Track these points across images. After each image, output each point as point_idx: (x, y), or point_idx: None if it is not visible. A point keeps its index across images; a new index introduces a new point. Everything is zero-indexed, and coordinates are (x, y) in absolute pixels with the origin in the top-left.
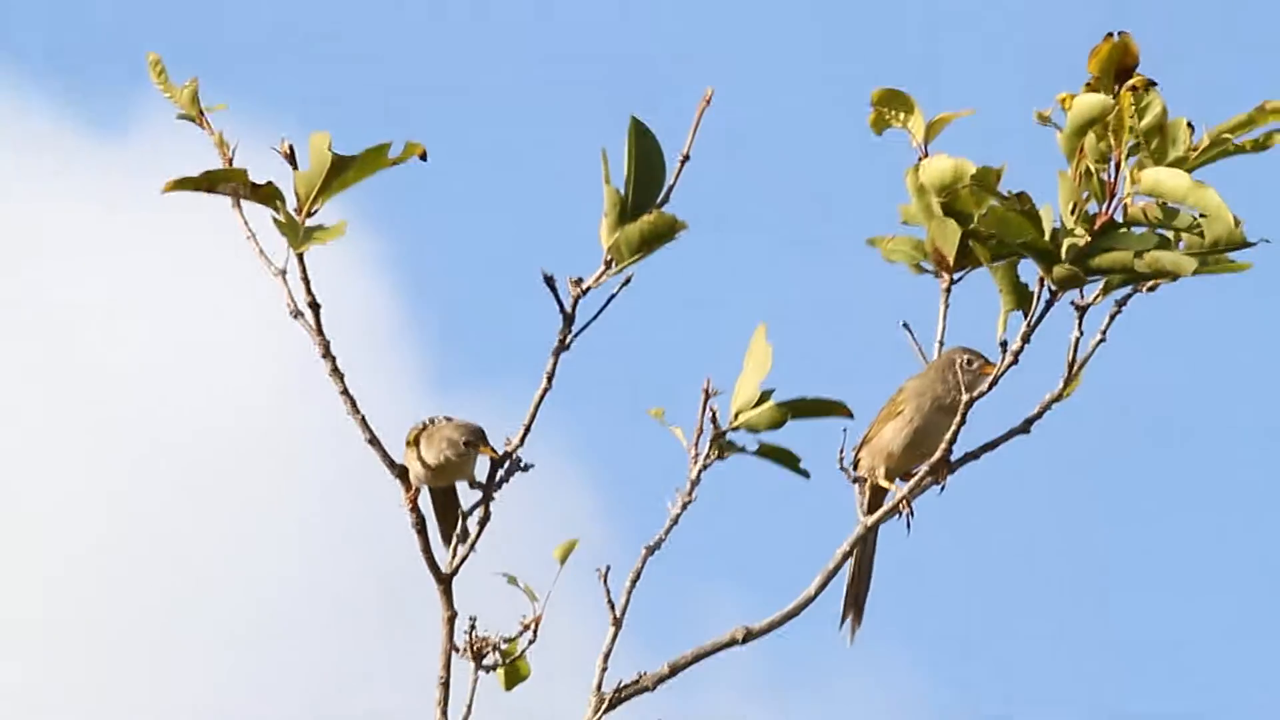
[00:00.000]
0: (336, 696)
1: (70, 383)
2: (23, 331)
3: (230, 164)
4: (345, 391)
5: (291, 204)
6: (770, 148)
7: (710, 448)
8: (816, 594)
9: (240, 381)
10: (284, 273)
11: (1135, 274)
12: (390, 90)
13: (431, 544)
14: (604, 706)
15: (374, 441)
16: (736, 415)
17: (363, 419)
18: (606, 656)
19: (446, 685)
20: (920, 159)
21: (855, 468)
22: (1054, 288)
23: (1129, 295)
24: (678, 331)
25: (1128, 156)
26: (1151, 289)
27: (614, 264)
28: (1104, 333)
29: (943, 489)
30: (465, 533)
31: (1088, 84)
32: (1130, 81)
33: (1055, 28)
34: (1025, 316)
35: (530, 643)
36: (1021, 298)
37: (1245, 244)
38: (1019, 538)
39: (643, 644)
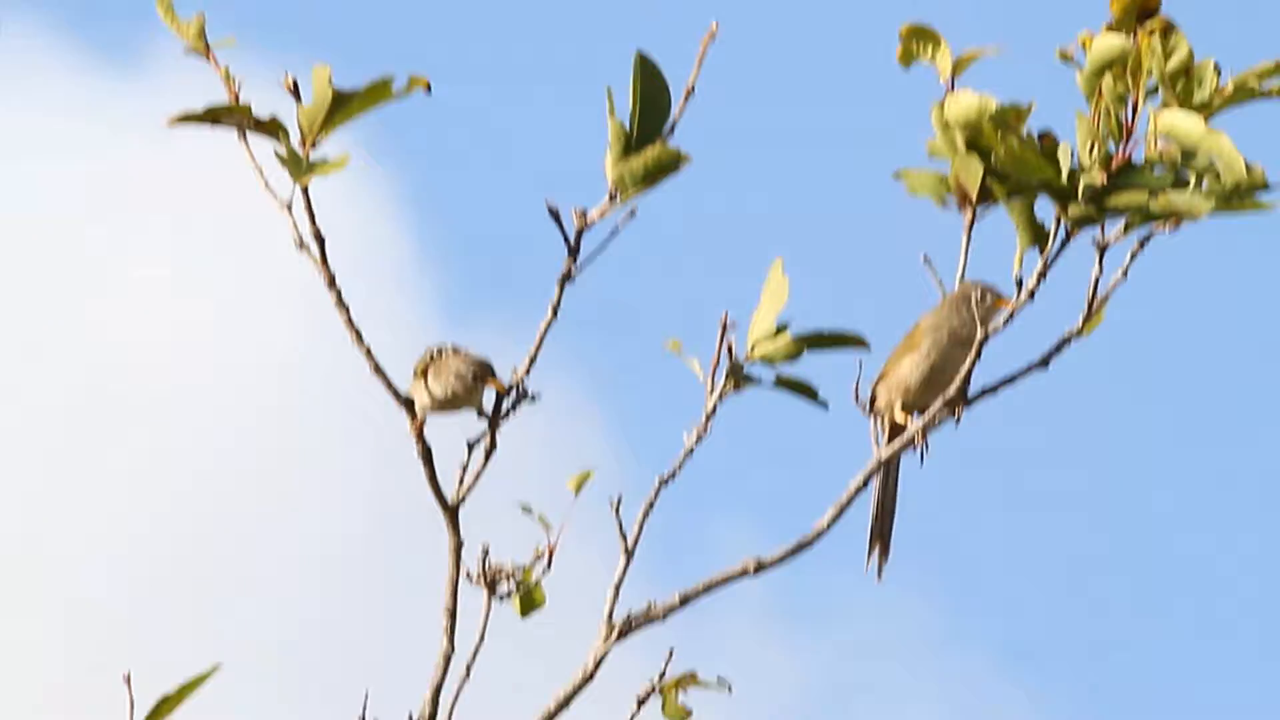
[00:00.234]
0: (344, 629)
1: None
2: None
3: (236, 99)
4: (350, 322)
5: (296, 138)
6: (794, 83)
7: (727, 380)
8: (829, 526)
9: (256, 320)
10: (289, 206)
11: (1151, 215)
12: (399, 25)
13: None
14: (614, 636)
15: (379, 372)
16: (753, 348)
17: (368, 350)
18: (618, 586)
19: (454, 614)
20: (946, 94)
21: (872, 402)
22: (1069, 226)
23: (1150, 235)
24: (696, 267)
25: (1150, 98)
26: (1174, 228)
27: (618, 197)
28: (1125, 271)
29: (958, 423)
30: None
31: (1108, 25)
32: (1150, 24)
33: None
34: (1041, 254)
35: (545, 571)
36: (1038, 235)
37: (1265, 186)
38: (1035, 473)
39: (656, 575)
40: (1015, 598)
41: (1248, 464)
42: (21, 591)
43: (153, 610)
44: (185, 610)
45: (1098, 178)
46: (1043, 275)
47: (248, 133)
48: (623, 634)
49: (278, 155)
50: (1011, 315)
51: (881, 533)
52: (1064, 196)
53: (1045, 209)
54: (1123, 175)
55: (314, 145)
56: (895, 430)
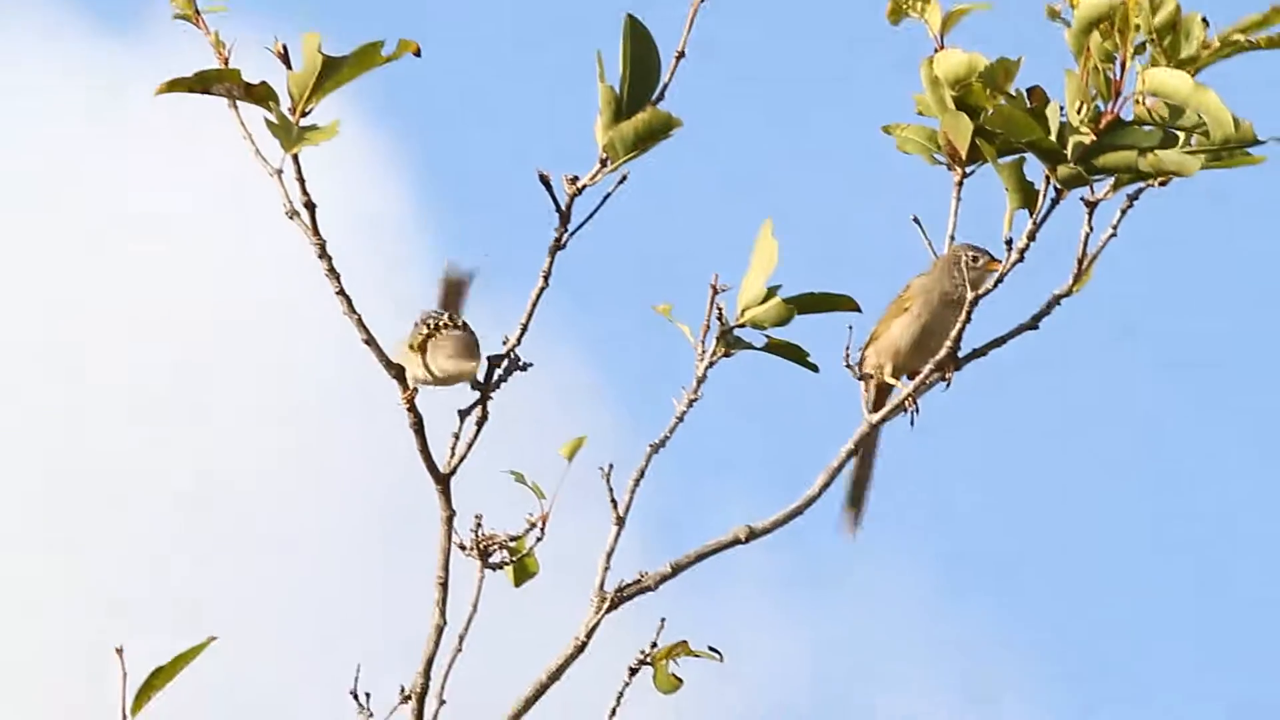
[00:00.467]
0: (336, 599)
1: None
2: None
3: (226, 65)
4: (341, 291)
5: (286, 105)
6: (783, 43)
7: (717, 344)
8: (820, 492)
9: (248, 279)
10: (280, 173)
11: (1140, 173)
12: None
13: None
14: (606, 605)
15: (370, 341)
16: (743, 312)
17: (359, 319)
18: (609, 555)
19: (445, 585)
20: (936, 51)
21: (861, 365)
22: (1059, 186)
23: (1140, 191)
24: (684, 231)
25: (1138, 53)
26: (1163, 184)
27: (609, 162)
28: (1115, 227)
29: (948, 385)
30: None
31: None
32: None
33: None
34: (1031, 215)
35: (538, 540)
36: (1028, 196)
37: (1255, 141)
38: (1026, 434)
39: (649, 543)
40: (1009, 559)
41: (1239, 420)
42: (20, 573)
43: (145, 581)
44: (177, 581)
45: (1086, 136)
46: (1032, 236)
47: (238, 100)
48: (614, 604)
49: (267, 122)
50: (1001, 278)
51: (856, 494)
52: (1053, 156)
53: (1034, 169)
54: (1111, 134)
55: (304, 113)
56: (884, 393)
